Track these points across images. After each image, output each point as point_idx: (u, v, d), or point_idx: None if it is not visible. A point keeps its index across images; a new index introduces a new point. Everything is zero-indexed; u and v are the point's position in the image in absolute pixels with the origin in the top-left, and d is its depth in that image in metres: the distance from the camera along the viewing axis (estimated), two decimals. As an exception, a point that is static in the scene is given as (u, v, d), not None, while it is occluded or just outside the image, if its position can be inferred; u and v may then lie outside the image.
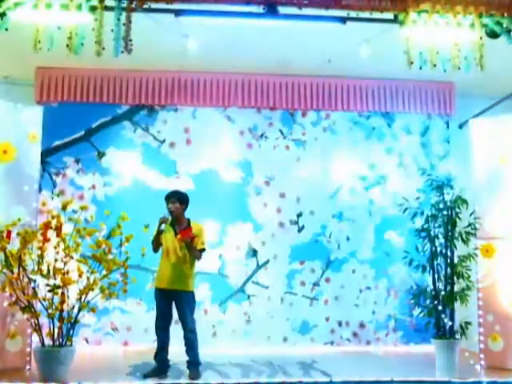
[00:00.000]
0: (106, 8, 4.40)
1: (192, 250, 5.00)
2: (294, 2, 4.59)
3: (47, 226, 4.73)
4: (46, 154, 6.58)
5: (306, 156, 7.10)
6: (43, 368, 4.57)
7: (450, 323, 5.28)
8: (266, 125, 7.10)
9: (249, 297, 6.83)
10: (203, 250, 5.15)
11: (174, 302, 5.11)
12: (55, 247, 4.70)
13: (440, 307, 5.28)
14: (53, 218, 4.75)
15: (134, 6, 4.42)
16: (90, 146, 6.85)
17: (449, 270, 5.37)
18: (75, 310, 4.72)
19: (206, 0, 4.59)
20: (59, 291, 4.63)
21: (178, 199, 5.17)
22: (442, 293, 5.31)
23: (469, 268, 5.40)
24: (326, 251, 6.99)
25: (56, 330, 4.65)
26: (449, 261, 5.39)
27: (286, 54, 6.18)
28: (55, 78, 6.63)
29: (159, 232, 5.08)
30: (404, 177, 7.17)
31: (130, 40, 4.36)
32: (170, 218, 5.14)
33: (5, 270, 4.66)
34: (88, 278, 4.71)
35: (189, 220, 5.21)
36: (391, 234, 7.07)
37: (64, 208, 4.81)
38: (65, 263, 4.66)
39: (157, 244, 5.13)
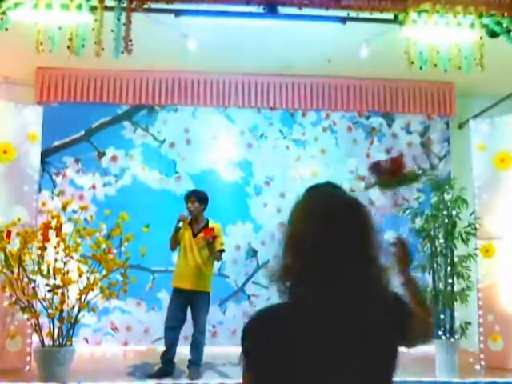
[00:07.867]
0: (106, 8, 4.41)
1: (212, 250, 5.00)
2: (294, 2, 4.59)
3: (47, 226, 4.73)
4: (46, 153, 6.56)
5: (306, 156, 7.09)
6: (43, 368, 4.57)
7: (450, 323, 5.28)
8: (266, 125, 7.08)
9: (249, 297, 6.82)
10: (222, 250, 5.16)
11: (189, 303, 5.08)
12: (55, 247, 4.69)
13: (440, 307, 5.29)
14: (53, 218, 4.75)
15: (133, 6, 4.42)
16: (90, 145, 6.84)
17: (449, 269, 5.37)
18: (75, 310, 4.72)
19: (205, 0, 4.60)
20: (59, 291, 4.62)
21: (197, 199, 5.17)
22: (442, 293, 5.31)
23: (469, 268, 5.39)
24: (325, 251, 6.96)
25: (56, 330, 4.65)
26: (449, 261, 5.39)
27: (286, 54, 6.17)
28: (55, 78, 6.63)
29: (177, 229, 5.07)
30: (404, 177, 7.15)
31: (130, 40, 4.36)
32: (188, 217, 5.13)
33: (5, 270, 4.66)
34: (88, 278, 4.71)
35: (207, 220, 5.21)
36: (391, 234, 7.04)
37: (64, 208, 4.81)
38: (65, 263, 4.66)
39: (174, 242, 5.13)
